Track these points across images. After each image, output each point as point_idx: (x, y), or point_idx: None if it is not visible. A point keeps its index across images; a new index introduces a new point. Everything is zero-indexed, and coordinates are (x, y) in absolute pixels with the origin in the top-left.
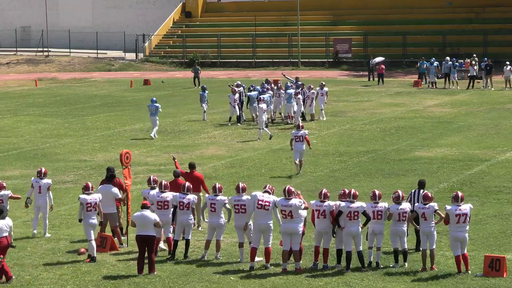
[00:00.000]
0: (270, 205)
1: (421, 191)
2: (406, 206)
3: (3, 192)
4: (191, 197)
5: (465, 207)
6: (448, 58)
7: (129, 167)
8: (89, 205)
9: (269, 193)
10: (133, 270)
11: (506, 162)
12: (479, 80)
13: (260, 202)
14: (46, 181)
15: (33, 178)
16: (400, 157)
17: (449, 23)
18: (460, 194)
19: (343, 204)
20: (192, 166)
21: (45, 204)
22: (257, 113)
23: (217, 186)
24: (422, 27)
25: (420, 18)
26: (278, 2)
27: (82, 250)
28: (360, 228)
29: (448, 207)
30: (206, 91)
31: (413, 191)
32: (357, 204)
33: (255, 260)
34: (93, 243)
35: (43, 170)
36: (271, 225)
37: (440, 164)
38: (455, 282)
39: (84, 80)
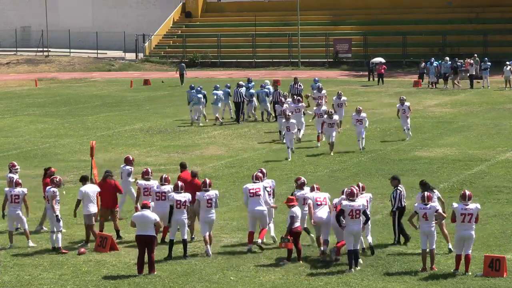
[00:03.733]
0: (261, 191)
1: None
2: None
3: (19, 189)
4: (187, 195)
5: (472, 207)
6: (447, 58)
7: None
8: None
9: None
10: (133, 270)
11: (506, 162)
12: (479, 80)
13: (251, 191)
14: (128, 167)
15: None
16: (400, 157)
17: (449, 23)
18: (468, 192)
19: (344, 203)
20: (193, 174)
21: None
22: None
23: (207, 182)
24: (422, 27)
25: (420, 18)
26: (278, 2)
27: (82, 250)
28: (361, 228)
29: (455, 205)
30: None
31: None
32: (358, 202)
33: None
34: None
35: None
36: (265, 212)
37: (440, 164)
38: (455, 282)
39: (84, 80)
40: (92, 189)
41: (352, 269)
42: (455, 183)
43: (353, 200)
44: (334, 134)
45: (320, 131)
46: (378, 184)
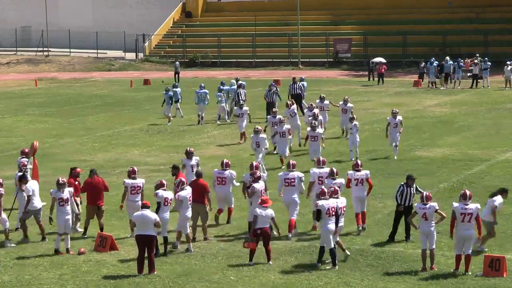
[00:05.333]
0: (296, 181)
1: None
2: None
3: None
4: (170, 193)
5: (472, 207)
6: (448, 58)
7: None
8: None
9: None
10: (133, 270)
11: (506, 162)
12: (479, 80)
13: (287, 180)
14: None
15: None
16: (400, 157)
17: (449, 23)
18: (468, 192)
19: (321, 202)
20: (198, 175)
21: None
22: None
23: (184, 181)
24: (422, 27)
25: (420, 18)
26: (278, 2)
27: (82, 250)
28: (335, 226)
29: (455, 204)
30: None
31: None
32: (332, 200)
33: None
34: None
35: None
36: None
37: (440, 164)
38: (455, 282)
39: (84, 80)
40: (36, 184)
41: (336, 266)
42: (455, 183)
43: (327, 199)
44: (320, 149)
45: (276, 148)
46: (378, 184)
